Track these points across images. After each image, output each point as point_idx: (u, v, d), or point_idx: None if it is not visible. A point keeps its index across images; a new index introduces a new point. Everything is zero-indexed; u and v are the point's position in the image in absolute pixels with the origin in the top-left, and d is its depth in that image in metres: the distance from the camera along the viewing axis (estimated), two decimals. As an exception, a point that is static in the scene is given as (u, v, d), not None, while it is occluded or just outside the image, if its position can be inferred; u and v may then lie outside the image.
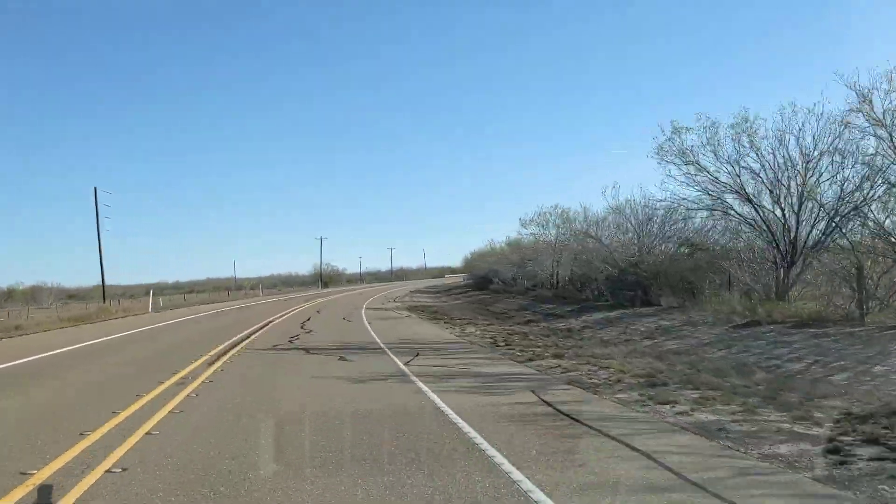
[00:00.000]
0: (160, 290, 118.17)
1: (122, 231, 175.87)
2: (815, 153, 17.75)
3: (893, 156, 14.89)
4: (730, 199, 19.27)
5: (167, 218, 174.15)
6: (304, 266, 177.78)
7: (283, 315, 32.59)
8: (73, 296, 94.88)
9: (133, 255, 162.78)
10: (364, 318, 29.32)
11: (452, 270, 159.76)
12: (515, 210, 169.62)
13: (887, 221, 16.11)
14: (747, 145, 18.64)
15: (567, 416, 8.34)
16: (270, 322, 27.24)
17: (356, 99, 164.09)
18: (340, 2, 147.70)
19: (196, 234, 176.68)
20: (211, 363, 14.06)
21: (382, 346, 17.48)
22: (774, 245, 18.93)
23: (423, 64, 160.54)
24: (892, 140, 14.71)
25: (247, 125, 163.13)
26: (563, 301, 32.69)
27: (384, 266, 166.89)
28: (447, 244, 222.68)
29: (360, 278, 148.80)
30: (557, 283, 41.32)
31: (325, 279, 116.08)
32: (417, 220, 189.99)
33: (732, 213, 19.84)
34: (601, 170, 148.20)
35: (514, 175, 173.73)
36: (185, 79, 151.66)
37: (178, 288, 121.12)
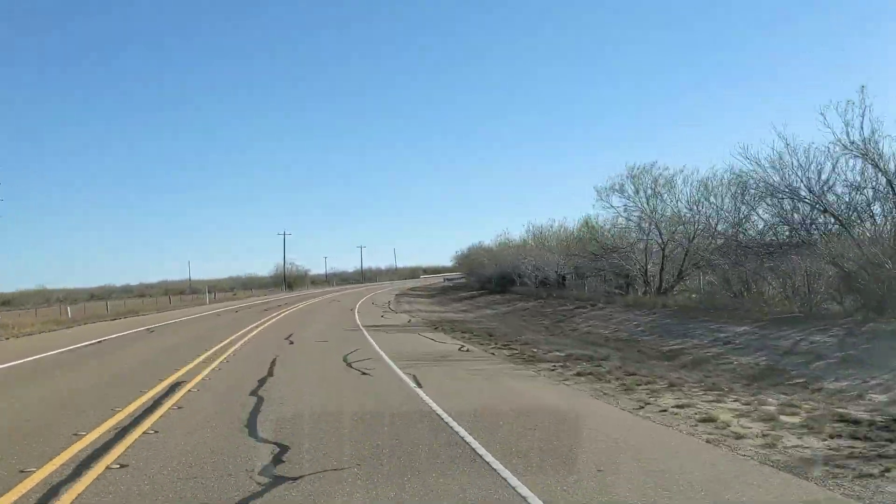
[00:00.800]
0: (107, 293, 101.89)
1: (72, 229, 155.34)
2: None
3: None
4: None
5: (121, 217, 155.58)
6: (265, 266, 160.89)
7: (221, 353, 16.99)
8: (7, 301, 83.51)
9: (86, 256, 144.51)
10: (393, 365, 13.73)
11: (426, 270, 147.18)
12: (504, 208, 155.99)
13: None
14: None
15: None
16: (181, 385, 11.66)
17: (321, 97, 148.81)
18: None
19: (152, 235, 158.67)
20: None
21: None
22: None
23: (393, 66, 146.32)
24: None
25: (208, 121, 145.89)
26: (735, 318, 17.78)
27: (350, 266, 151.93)
28: (418, 245, 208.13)
29: (327, 279, 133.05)
30: (662, 283, 26.57)
31: (288, 281, 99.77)
32: (386, 221, 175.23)
33: None
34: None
35: (498, 175, 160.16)
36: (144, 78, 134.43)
37: (127, 291, 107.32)
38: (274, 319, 29.50)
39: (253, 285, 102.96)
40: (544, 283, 37.43)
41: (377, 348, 16.69)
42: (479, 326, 23.82)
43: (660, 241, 26.38)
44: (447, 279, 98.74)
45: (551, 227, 42.29)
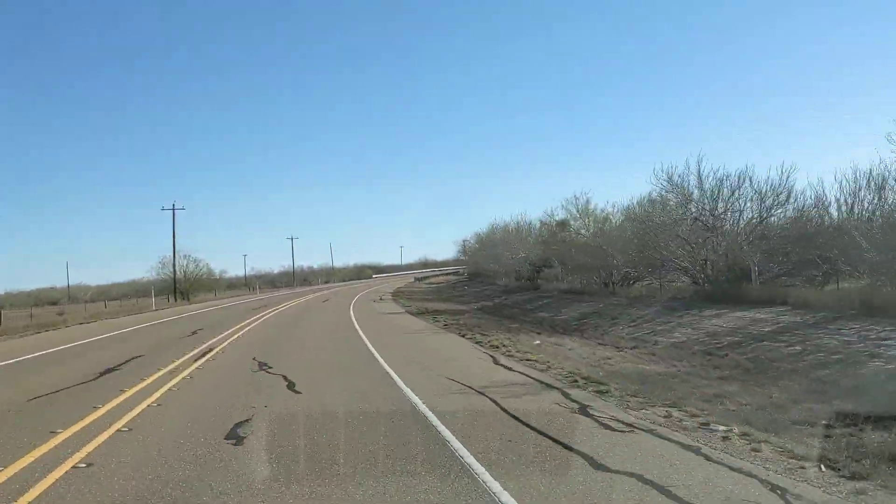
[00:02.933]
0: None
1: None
2: None
3: None
4: None
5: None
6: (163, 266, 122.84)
7: None
8: None
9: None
10: None
11: (376, 269, 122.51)
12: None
13: None
14: None
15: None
16: None
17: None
18: None
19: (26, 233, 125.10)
20: None
21: None
22: None
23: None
24: None
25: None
26: None
27: (276, 266, 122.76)
28: (357, 241, 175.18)
29: (247, 283, 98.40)
30: None
31: (184, 284, 61.16)
32: (318, 214, 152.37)
33: None
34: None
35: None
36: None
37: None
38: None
39: (154, 291, 66.00)
40: None
41: None
42: None
43: None
44: (418, 279, 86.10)
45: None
